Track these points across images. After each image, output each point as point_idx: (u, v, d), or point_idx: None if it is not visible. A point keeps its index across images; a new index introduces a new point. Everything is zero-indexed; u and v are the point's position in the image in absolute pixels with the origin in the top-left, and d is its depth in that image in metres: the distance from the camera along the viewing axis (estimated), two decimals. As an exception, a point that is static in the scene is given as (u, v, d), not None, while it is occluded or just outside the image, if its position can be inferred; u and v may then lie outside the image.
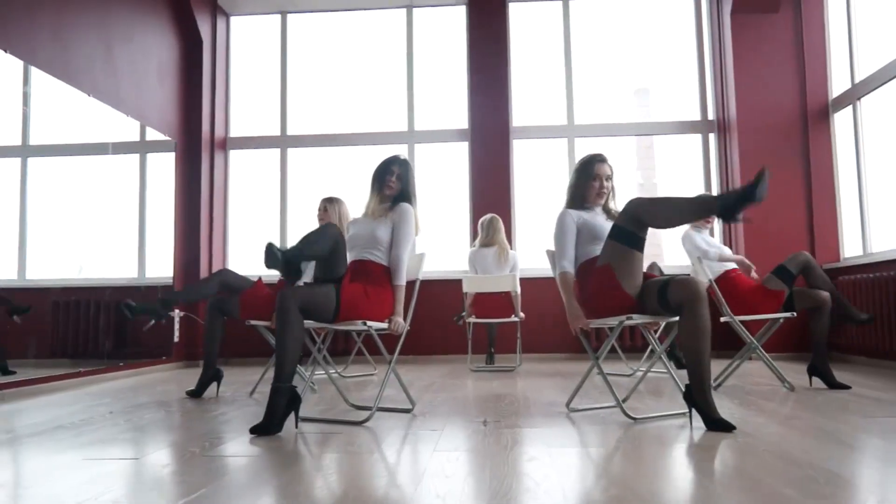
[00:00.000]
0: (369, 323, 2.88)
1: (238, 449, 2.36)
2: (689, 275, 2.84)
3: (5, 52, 4.19)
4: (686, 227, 4.19)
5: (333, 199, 4.51)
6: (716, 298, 3.78)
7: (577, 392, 3.12)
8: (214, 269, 6.64)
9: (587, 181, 3.09)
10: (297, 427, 2.72)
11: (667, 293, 2.61)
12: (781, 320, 3.81)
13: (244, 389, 4.19)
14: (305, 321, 2.73)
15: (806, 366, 3.89)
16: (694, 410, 2.59)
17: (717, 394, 3.55)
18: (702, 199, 2.63)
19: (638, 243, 2.72)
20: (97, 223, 5.36)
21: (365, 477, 1.94)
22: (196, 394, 3.89)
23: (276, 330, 2.66)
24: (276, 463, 2.14)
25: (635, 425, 2.68)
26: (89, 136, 5.21)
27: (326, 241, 2.82)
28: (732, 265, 4.09)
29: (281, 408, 2.63)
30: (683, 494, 1.70)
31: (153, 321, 3.80)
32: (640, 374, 4.74)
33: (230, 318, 3.94)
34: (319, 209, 4.48)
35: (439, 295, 6.15)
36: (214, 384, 4.02)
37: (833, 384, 3.63)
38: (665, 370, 3.71)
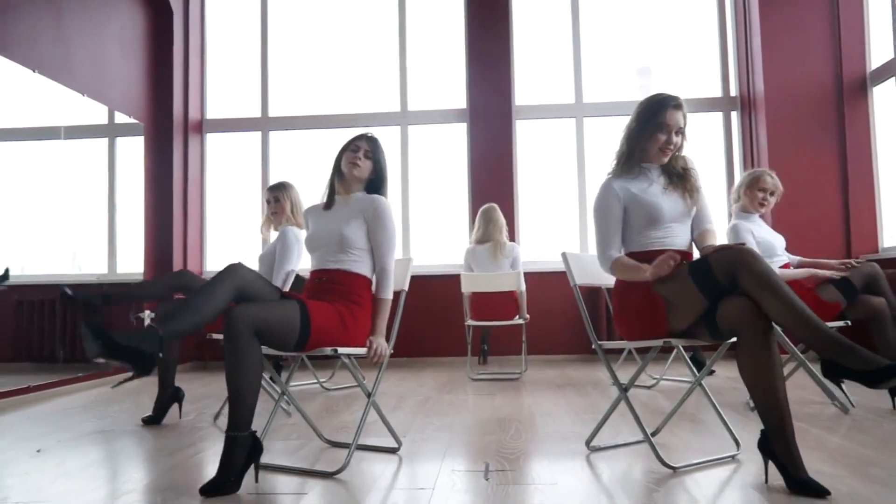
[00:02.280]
0: (342, 350, 2.31)
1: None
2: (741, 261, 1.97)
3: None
4: (734, 217, 3.59)
5: (282, 184, 3.86)
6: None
7: (599, 429, 2.55)
8: (189, 265, 6.08)
9: (652, 132, 2.32)
10: (256, 482, 2.15)
11: (715, 319, 2.03)
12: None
13: (208, 410, 3.63)
14: (263, 347, 2.15)
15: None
16: (771, 463, 2.00)
17: (754, 417, 2.99)
18: (837, 340, 1.86)
19: (714, 296, 2.04)
20: (57, 214, 4.81)
21: None
22: (154, 420, 3.31)
23: (226, 363, 2.08)
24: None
25: (674, 477, 2.12)
26: (40, 118, 4.64)
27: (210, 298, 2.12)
28: (786, 260, 3.50)
29: (238, 464, 2.06)
30: None
31: (86, 319, 3.16)
32: (663, 383, 4.19)
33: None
34: (268, 201, 3.85)
35: (435, 292, 5.59)
36: (176, 405, 3.45)
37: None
38: (690, 379, 3.07)
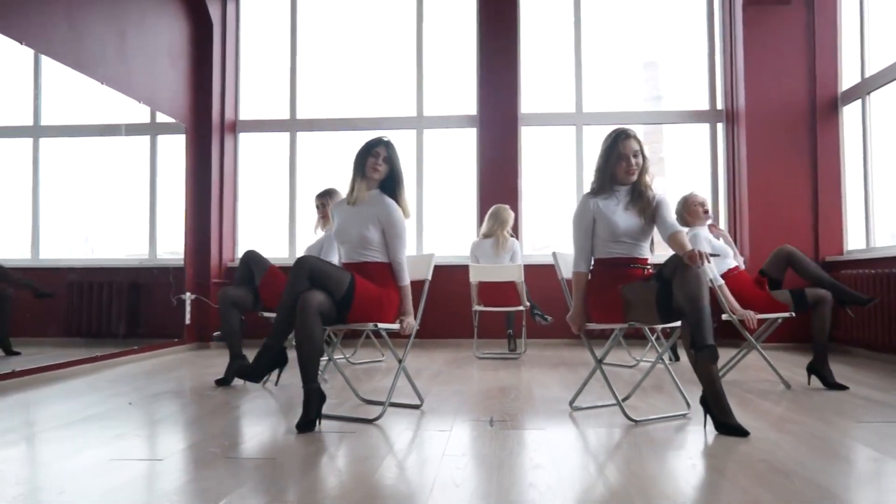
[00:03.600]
0: (381, 326, 2.97)
1: (257, 450, 2.47)
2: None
3: (21, 43, 4.24)
4: (696, 227, 4.19)
5: (329, 191, 4.54)
6: (720, 296, 3.85)
7: (581, 391, 3.21)
8: (224, 252, 6.74)
9: (616, 161, 2.95)
10: (318, 428, 2.79)
11: (669, 306, 2.69)
12: (780, 320, 3.89)
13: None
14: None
15: (807, 359, 3.94)
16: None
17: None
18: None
19: (669, 315, 2.74)
20: (109, 203, 5.46)
21: (377, 486, 2.04)
22: (224, 382, 3.99)
23: (298, 335, 2.72)
24: (295, 467, 2.24)
25: (637, 427, 2.78)
26: (102, 118, 5.28)
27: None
28: (735, 263, 4.14)
29: (316, 407, 2.74)
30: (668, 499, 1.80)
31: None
32: (643, 364, 4.84)
33: (245, 311, 4.05)
34: (317, 206, 4.53)
35: (445, 281, 6.20)
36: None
37: (831, 385, 3.71)
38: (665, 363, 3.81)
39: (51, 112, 4.72)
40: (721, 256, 4.02)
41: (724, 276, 4.05)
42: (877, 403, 3.33)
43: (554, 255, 3.15)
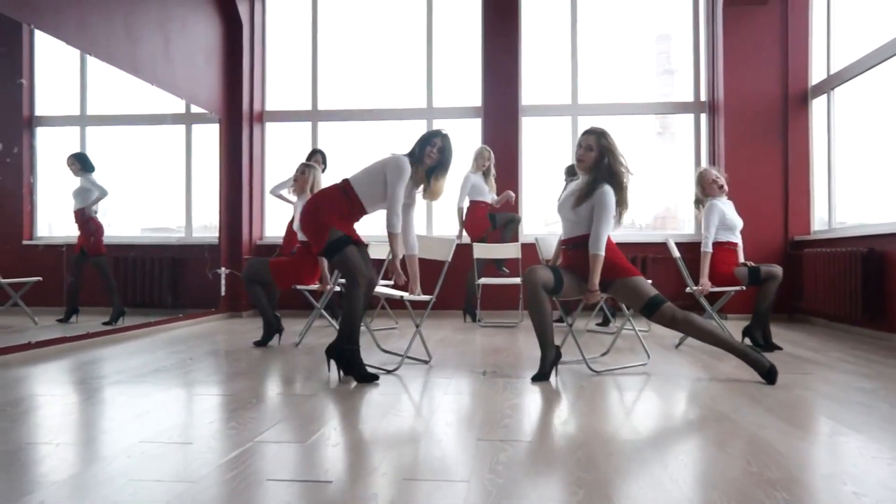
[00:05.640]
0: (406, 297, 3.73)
1: (302, 390, 3.23)
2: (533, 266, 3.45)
3: (90, 55, 4.97)
4: (712, 199, 4.67)
5: (311, 165, 5.12)
6: (682, 268, 4.54)
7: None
8: (253, 232, 7.49)
9: (576, 151, 3.57)
10: (342, 377, 3.55)
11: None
12: (732, 293, 4.60)
13: (291, 340, 5.06)
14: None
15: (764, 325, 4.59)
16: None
17: (679, 351, 4.38)
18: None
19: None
20: (151, 186, 6.22)
21: (397, 412, 2.79)
22: (261, 344, 4.79)
23: (347, 308, 3.43)
24: (335, 400, 3.00)
25: (597, 377, 3.52)
26: (143, 109, 6.03)
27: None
28: (734, 239, 4.65)
29: (359, 361, 3.43)
30: (612, 428, 2.54)
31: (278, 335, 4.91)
32: (625, 331, 5.56)
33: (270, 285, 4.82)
34: (297, 171, 5.06)
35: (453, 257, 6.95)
36: (277, 337, 4.90)
37: (761, 346, 4.41)
38: (642, 327, 4.61)
39: (97, 104, 5.44)
40: (730, 228, 4.60)
41: (716, 245, 4.61)
42: (799, 360, 4.05)
43: (536, 240, 3.88)
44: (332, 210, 3.49)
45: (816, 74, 6.61)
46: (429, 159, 3.61)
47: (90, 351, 4.52)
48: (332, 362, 3.51)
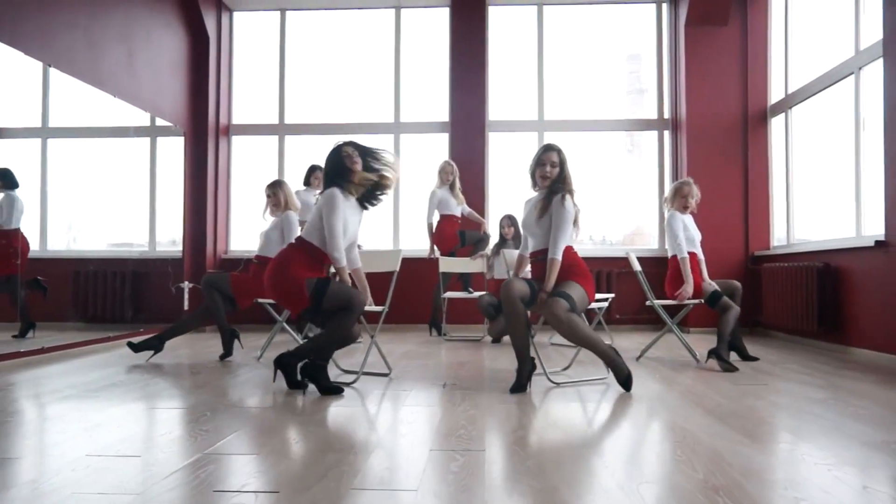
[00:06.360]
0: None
1: (257, 403, 3.20)
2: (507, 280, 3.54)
3: (50, 66, 4.92)
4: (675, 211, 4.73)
5: (277, 182, 5.05)
6: (644, 282, 4.59)
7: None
8: (217, 245, 7.42)
9: (536, 168, 3.65)
10: (304, 390, 3.53)
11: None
12: (692, 306, 4.67)
13: (251, 354, 5.00)
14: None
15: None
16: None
17: (639, 364, 4.42)
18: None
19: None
20: (113, 199, 6.15)
21: (352, 423, 2.77)
22: (226, 356, 4.75)
23: (341, 324, 3.41)
24: (291, 413, 2.98)
25: (556, 388, 3.53)
26: (107, 122, 5.96)
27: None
28: (695, 251, 4.69)
29: (326, 376, 3.45)
30: (566, 438, 2.55)
31: (153, 353, 4.66)
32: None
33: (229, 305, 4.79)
34: (268, 195, 4.98)
35: (417, 270, 6.95)
36: (237, 341, 4.87)
37: (728, 362, 4.46)
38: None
39: (59, 116, 5.37)
40: (690, 240, 4.64)
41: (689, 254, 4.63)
42: (759, 372, 4.11)
43: (488, 253, 3.90)
44: (298, 266, 3.49)
45: (775, 93, 6.77)
46: (352, 163, 3.64)
47: (45, 366, 4.43)
48: (279, 372, 3.53)
